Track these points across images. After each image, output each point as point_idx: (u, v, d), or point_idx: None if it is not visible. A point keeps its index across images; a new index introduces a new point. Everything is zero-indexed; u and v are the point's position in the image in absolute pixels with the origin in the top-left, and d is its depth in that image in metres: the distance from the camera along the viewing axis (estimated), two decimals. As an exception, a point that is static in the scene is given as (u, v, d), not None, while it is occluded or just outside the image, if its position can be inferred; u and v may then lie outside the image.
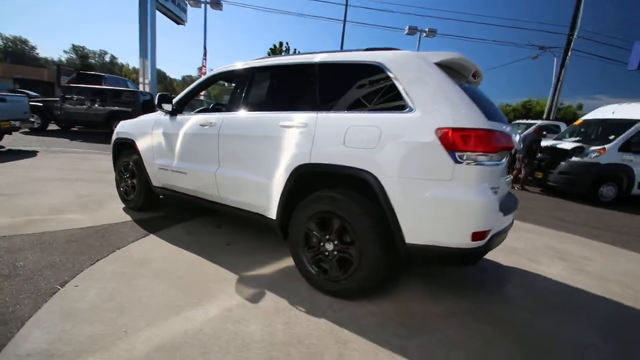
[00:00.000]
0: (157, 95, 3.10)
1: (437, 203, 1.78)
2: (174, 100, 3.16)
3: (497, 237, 2.00)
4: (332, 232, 2.14)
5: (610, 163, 6.83)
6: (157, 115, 3.39)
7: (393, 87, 1.98)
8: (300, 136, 2.21)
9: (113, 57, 71.97)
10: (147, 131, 3.35)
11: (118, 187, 3.87)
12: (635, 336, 2.09)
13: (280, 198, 2.32)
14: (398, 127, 1.87)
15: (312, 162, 2.13)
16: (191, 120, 2.98)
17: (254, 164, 2.49)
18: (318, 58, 2.37)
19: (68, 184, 4.65)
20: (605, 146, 6.92)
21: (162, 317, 1.83)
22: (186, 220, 3.58)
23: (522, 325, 2.08)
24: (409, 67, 1.98)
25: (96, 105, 10.79)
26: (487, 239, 1.86)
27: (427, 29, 18.32)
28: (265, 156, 2.41)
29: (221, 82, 2.98)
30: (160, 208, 3.89)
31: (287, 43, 30.06)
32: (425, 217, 1.82)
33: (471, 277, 2.72)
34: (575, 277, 2.93)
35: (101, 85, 12.07)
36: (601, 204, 6.80)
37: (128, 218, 3.47)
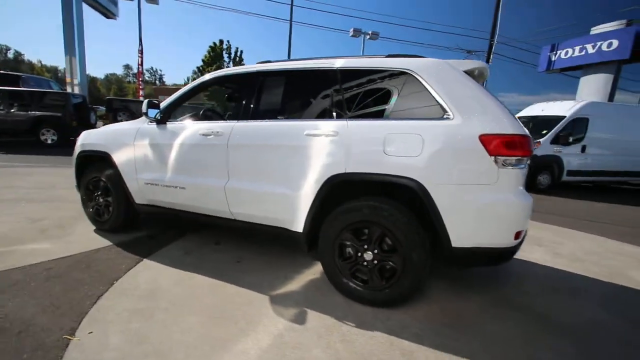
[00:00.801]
0: (145, 101, 2.75)
1: (483, 206, 1.87)
2: (161, 107, 2.83)
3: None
4: (372, 241, 2.11)
5: (544, 154, 7.85)
6: (138, 123, 3.01)
7: (427, 94, 2.02)
8: (331, 145, 2.14)
9: (18, 54, 62.22)
10: (127, 142, 2.96)
11: (85, 207, 3.36)
12: (630, 308, 2.43)
13: (310, 210, 2.22)
14: (441, 135, 1.91)
15: (348, 171, 2.07)
16: (188, 130, 2.70)
17: (274, 175, 2.35)
18: (339, 63, 2.31)
19: (10, 206, 3.91)
20: (540, 140, 7.92)
21: (211, 355, 1.63)
22: (176, 238, 3.25)
23: (541, 308, 2.28)
24: (441, 74, 2.03)
25: (15, 110, 9.21)
26: (523, 237, 2.00)
27: (370, 32, 19.10)
28: (288, 167, 2.29)
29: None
30: (140, 227, 3.46)
31: (227, 41, 28.97)
32: (472, 221, 1.89)
33: (474, 272, 2.91)
34: (556, 260, 3.31)
35: (18, 87, 10.33)
36: (539, 191, 7.81)
37: (107, 242, 3.03)
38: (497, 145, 1.82)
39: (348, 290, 2.21)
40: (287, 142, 2.28)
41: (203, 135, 2.59)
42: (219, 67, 28.26)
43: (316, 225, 2.27)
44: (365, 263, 2.15)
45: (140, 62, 15.53)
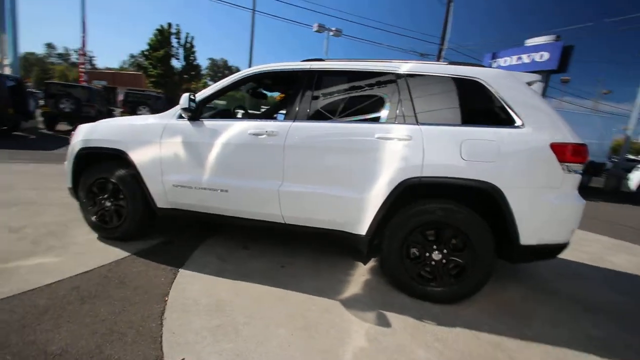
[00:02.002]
0: (186, 95, 2.47)
1: (550, 208, 2.06)
2: (197, 101, 2.58)
3: None
4: (442, 242, 2.20)
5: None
6: (162, 119, 2.70)
7: (497, 103, 2.15)
8: (405, 149, 2.16)
9: None
10: (150, 140, 2.64)
11: (86, 212, 2.93)
12: (629, 288, 2.88)
13: (377, 213, 2.23)
14: (515, 142, 2.05)
15: (424, 175, 2.12)
16: (232, 128, 2.50)
17: (338, 178, 2.30)
18: (405, 68, 2.33)
19: (-28, 213, 3.24)
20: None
21: (326, 368, 1.58)
22: (197, 243, 3.00)
23: (566, 291, 2.61)
24: (510, 85, 2.17)
25: None
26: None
27: (334, 29, 19.19)
28: (356, 170, 2.26)
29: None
30: (150, 233, 3.13)
31: (177, 25, 26.88)
32: (540, 221, 2.07)
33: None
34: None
35: None
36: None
37: (122, 252, 2.69)
38: (565, 153, 2.01)
39: (415, 289, 2.28)
40: (357, 145, 2.25)
41: (253, 134, 2.42)
42: (167, 52, 26.12)
43: (381, 227, 2.28)
44: (433, 262, 2.23)
45: (83, 43, 13.50)
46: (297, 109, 2.45)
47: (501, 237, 2.16)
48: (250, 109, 4.04)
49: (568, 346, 1.91)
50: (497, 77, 2.20)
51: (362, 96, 2.44)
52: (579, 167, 2.09)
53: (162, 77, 26.41)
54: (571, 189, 2.10)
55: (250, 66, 18.75)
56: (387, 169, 2.19)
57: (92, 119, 11.26)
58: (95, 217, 2.89)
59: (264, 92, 3.55)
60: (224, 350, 1.64)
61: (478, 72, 2.22)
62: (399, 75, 2.33)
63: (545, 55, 16.27)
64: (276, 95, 4.10)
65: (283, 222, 2.50)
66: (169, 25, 26.48)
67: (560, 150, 2.01)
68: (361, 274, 2.65)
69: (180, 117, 2.64)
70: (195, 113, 2.57)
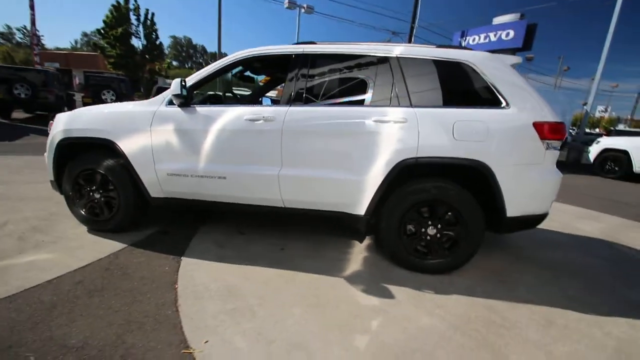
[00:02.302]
0: (177, 80, 2.39)
1: (534, 182, 2.25)
2: (187, 86, 2.50)
3: None
4: (437, 218, 2.36)
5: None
6: (150, 105, 2.61)
7: (484, 85, 2.27)
8: (401, 131, 2.25)
9: None
10: (140, 128, 2.55)
11: (73, 205, 2.82)
12: (597, 250, 3.23)
13: (375, 193, 2.33)
14: (501, 122, 2.19)
15: (419, 155, 2.23)
16: (227, 114, 2.47)
17: (336, 161, 2.36)
18: (397, 51, 2.39)
19: (-60, 212, 3.01)
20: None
21: (347, 338, 1.70)
22: (193, 232, 3.00)
23: (543, 258, 2.90)
24: (497, 68, 2.29)
25: None
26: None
27: (305, 5, 18.66)
28: (354, 152, 2.33)
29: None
30: (142, 223, 3.07)
31: (135, 1, 24.96)
32: (524, 194, 2.27)
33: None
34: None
35: None
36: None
37: (118, 244, 2.65)
38: (546, 131, 2.19)
39: (412, 263, 2.44)
40: (354, 128, 2.31)
41: (249, 120, 2.41)
42: (126, 30, 24.31)
43: (379, 207, 2.39)
44: (428, 237, 2.39)
45: (33, 21, 12.09)
46: (292, 93, 2.45)
47: (489, 211, 2.34)
48: (235, 93, 3.94)
49: (551, 305, 2.15)
50: (485, 60, 2.31)
51: (356, 80, 2.47)
52: (557, 143, 2.28)
53: (122, 57, 24.67)
54: (551, 164, 2.30)
55: (219, 46, 17.88)
56: (384, 150, 2.28)
57: (51, 105, 10.45)
58: (84, 210, 2.79)
59: (251, 75, 3.49)
60: (246, 330, 1.71)
61: (467, 55, 2.32)
62: (392, 59, 2.38)
63: (511, 34, 16.86)
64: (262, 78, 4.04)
65: (283, 206, 2.55)
66: (126, 1, 24.51)
67: (542, 129, 2.19)
68: (359, 252, 2.78)
69: (170, 103, 2.57)
70: (187, 99, 2.51)
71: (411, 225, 2.42)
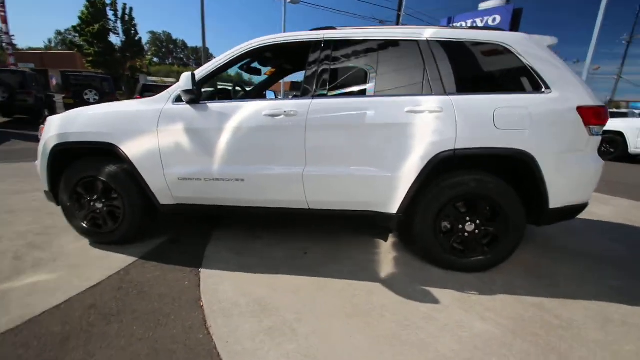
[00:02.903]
0: (187, 74, 2.14)
1: (578, 170, 2.12)
2: (196, 80, 2.26)
3: None
4: (475, 213, 2.21)
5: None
6: (155, 103, 2.36)
7: (524, 69, 2.11)
8: (437, 122, 2.08)
9: None
10: (145, 129, 2.30)
11: (72, 217, 2.56)
12: (619, 235, 3.16)
13: (410, 190, 2.16)
14: (544, 107, 2.04)
15: (458, 147, 2.06)
16: (243, 111, 2.24)
17: (367, 156, 2.18)
18: (428, 34, 2.20)
19: None
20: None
21: (402, 351, 1.54)
22: (204, 239, 2.78)
23: (573, 246, 2.80)
24: (535, 49, 2.13)
25: None
26: None
27: (290, -6, 18.17)
28: (386, 146, 2.15)
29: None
30: (148, 233, 2.84)
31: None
32: (568, 183, 2.13)
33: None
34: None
35: None
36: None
37: (127, 257, 2.41)
38: (590, 116, 2.05)
39: (449, 262, 2.29)
40: (386, 120, 2.12)
41: (269, 115, 2.19)
42: (103, 26, 23.25)
43: (413, 204, 2.23)
44: (466, 234, 2.25)
45: (4, 20, 11.29)
46: (314, 84, 2.24)
47: (529, 203, 2.20)
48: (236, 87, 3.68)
49: (599, 299, 2.05)
50: (522, 40, 2.14)
51: (384, 67, 2.28)
52: (600, 129, 2.15)
53: (100, 55, 23.63)
54: (593, 151, 2.17)
55: (203, 41, 17.28)
56: (419, 143, 2.11)
57: (30, 107, 9.88)
58: (85, 221, 2.54)
59: (258, 67, 3.24)
60: (289, 352, 1.53)
61: (502, 36, 2.15)
62: (422, 42, 2.19)
63: (498, 19, 16.85)
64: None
65: (307, 207, 2.36)
66: (107, -7, 23.36)
67: (586, 113, 2.05)
68: (387, 252, 2.63)
69: (178, 100, 2.32)
70: (197, 95, 2.27)
71: (447, 221, 2.27)
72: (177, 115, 2.28)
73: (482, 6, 19.22)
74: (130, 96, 21.72)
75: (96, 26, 23.07)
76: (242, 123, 2.22)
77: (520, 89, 2.12)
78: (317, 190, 2.28)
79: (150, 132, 2.30)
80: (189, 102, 2.28)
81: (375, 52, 2.28)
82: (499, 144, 2.05)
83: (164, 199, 2.44)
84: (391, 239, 2.85)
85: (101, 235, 2.56)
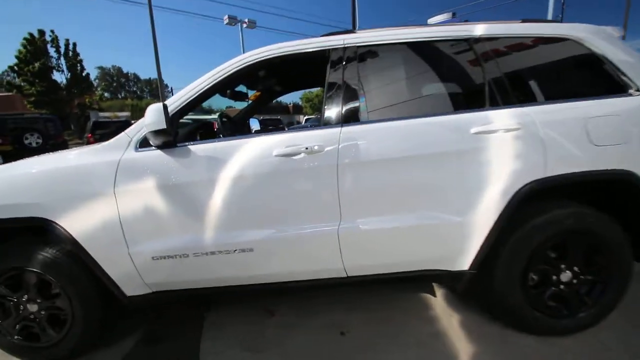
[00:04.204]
0: (154, 108, 1.43)
1: None
2: (170, 114, 1.56)
3: None
4: (571, 256, 1.66)
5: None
6: (107, 153, 1.62)
7: (604, 66, 1.65)
8: (517, 143, 1.53)
9: None
10: (96, 191, 1.55)
11: (-8, 331, 1.70)
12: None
13: (487, 237, 1.58)
14: (638, 113, 1.58)
15: (548, 175, 1.52)
16: (243, 152, 1.56)
17: (427, 198, 1.58)
18: (479, 31, 1.68)
19: None
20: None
21: None
22: (200, 330, 1.99)
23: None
24: (611, 42, 1.68)
25: None
26: None
27: (247, 20, 17.82)
28: (452, 183, 1.57)
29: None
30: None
31: (52, 31, 22.30)
32: None
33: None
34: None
35: None
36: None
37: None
38: None
39: (546, 326, 1.71)
40: (447, 147, 1.54)
41: (282, 156, 1.53)
42: (45, 64, 21.44)
43: (492, 255, 1.64)
44: (562, 286, 1.69)
45: None
46: (341, 107, 1.62)
47: (632, 236, 1.70)
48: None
49: None
50: (595, 33, 1.69)
51: (428, 76, 1.73)
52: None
53: (43, 94, 21.66)
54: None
55: (158, 71, 16.24)
56: (495, 174, 1.54)
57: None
58: (13, 333, 1.69)
59: (243, 91, 2.59)
60: None
61: (573, 28, 1.69)
62: (474, 41, 1.67)
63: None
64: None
65: (345, 275, 1.69)
66: (41, 33, 21.70)
67: None
68: (446, 313, 2.00)
69: (143, 144, 1.60)
70: (173, 136, 1.56)
71: (536, 272, 1.70)
72: (144, 168, 1.56)
73: (431, 20, 20.12)
74: (81, 135, 19.90)
75: (37, 64, 21.24)
76: (244, 170, 1.54)
77: (603, 92, 1.64)
78: (359, 251, 1.63)
79: (104, 196, 1.54)
80: (161, 147, 1.57)
81: (415, 58, 1.72)
82: (598, 165, 1.54)
83: (132, 288, 1.67)
84: (439, 290, 2.22)
85: (40, 351, 1.71)
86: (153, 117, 1.43)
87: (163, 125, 1.41)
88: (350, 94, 1.63)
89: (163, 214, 1.56)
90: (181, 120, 1.81)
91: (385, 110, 1.66)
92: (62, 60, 22.82)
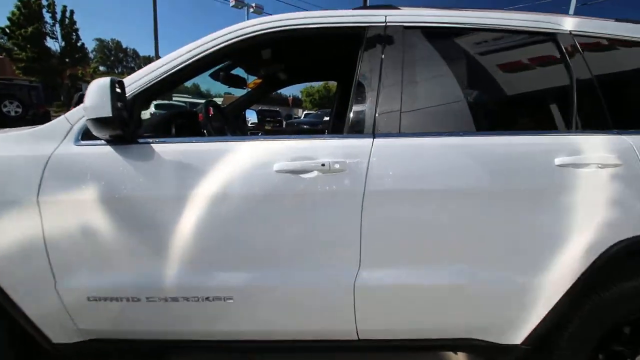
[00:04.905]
0: (99, 85, 0.95)
1: None
2: (129, 95, 1.08)
3: None
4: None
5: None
6: (34, 142, 1.13)
7: None
8: (616, 185, 1.09)
9: None
10: (10, 197, 1.07)
11: None
12: None
13: (556, 305, 1.15)
14: None
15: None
16: (231, 159, 1.09)
17: (482, 250, 1.14)
18: (570, 24, 1.23)
19: None
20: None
21: None
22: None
23: None
24: None
25: None
26: None
27: (254, 4, 17.12)
28: (518, 230, 1.13)
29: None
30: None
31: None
32: None
33: None
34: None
35: None
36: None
37: None
38: None
39: None
40: (520, 181, 1.10)
41: (286, 172, 1.07)
42: (38, 30, 20.39)
43: (556, 328, 1.21)
44: (640, 374, 1.26)
45: None
46: (374, 110, 1.15)
47: None
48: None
49: None
50: None
51: (501, 79, 1.27)
52: None
53: (34, 61, 20.62)
54: None
55: (156, 50, 15.67)
56: (581, 224, 1.11)
57: None
58: None
59: (241, 76, 2.09)
60: None
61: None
62: (563, 38, 1.22)
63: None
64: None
65: (356, 338, 1.24)
66: (36, -5, 20.56)
67: None
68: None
69: (88, 135, 1.11)
70: (129, 127, 1.08)
71: (608, 353, 1.27)
72: (84, 169, 1.08)
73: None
74: (69, 107, 19.02)
75: (29, 29, 20.16)
76: (230, 187, 1.07)
77: None
78: (379, 310, 1.18)
79: (23, 205, 1.06)
80: (110, 141, 1.08)
81: (481, 52, 1.26)
82: None
83: (59, 334, 1.19)
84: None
85: None
86: (95, 97, 0.94)
87: (108, 112, 0.93)
88: (390, 93, 1.16)
89: (108, 237, 1.09)
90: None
91: (437, 119, 1.19)
92: (57, 28, 21.76)
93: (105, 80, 0.94)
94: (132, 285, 1.12)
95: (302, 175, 1.07)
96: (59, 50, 22.23)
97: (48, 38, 21.53)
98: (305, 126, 13.64)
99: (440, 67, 1.23)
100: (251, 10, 17.30)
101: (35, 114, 9.66)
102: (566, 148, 1.12)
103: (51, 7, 21.20)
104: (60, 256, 1.10)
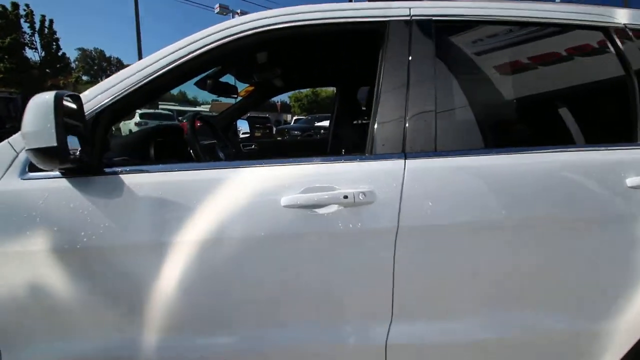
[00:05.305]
0: (41, 102, 0.70)
1: None
2: (94, 111, 0.84)
3: None
4: None
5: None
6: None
7: None
8: None
9: None
10: None
11: None
12: None
13: (629, 353, 0.94)
14: None
15: None
16: (225, 192, 0.85)
17: (544, 293, 0.93)
18: (623, 16, 1.04)
19: None
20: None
21: None
22: None
23: None
24: None
25: None
26: None
27: (239, 11, 16.89)
28: (587, 268, 0.92)
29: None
30: None
31: (27, 5, 20.62)
32: None
33: None
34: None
35: None
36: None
37: None
38: None
39: None
40: (585, 208, 0.89)
41: (299, 207, 0.83)
42: (16, 40, 19.75)
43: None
44: None
45: None
46: (405, 123, 0.93)
47: None
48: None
49: None
50: None
51: (550, 85, 1.06)
52: None
53: (13, 72, 19.93)
54: None
55: (140, 58, 15.58)
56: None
57: None
58: None
59: (231, 84, 1.85)
60: None
61: None
62: (616, 31, 1.02)
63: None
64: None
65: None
66: (15, 5, 19.94)
67: None
68: None
69: (35, 167, 0.85)
70: (92, 153, 0.83)
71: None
72: (31, 209, 0.82)
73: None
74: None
75: (7, 39, 19.50)
76: (224, 229, 0.83)
77: None
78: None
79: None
80: (67, 174, 0.83)
81: (526, 50, 1.05)
82: None
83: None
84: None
85: None
86: (33, 120, 0.70)
87: (51, 140, 0.68)
88: (422, 101, 0.93)
89: (65, 297, 0.83)
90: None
91: (481, 132, 0.97)
92: (37, 37, 21.14)
93: (48, 97, 0.70)
94: (96, 357, 0.86)
95: (318, 211, 0.83)
96: (39, 60, 21.60)
97: (27, 48, 20.90)
98: (296, 132, 13.43)
99: (479, 69, 1.02)
100: (237, 16, 17.06)
101: (13, 127, 9.19)
102: (636, 166, 0.91)
103: (29, 16, 20.59)
104: (3, 320, 0.84)
